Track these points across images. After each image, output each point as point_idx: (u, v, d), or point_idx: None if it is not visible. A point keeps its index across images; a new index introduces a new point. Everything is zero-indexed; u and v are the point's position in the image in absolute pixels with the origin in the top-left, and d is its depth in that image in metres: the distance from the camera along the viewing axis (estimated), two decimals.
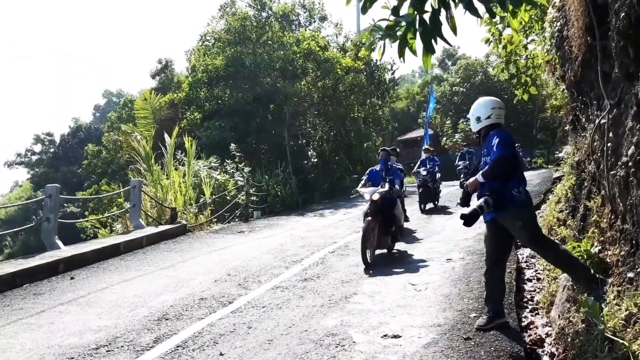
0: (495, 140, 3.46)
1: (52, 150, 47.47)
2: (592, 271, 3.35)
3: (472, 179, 3.60)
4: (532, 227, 3.52)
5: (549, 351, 3.40)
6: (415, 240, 7.26)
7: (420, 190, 10.79)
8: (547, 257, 3.67)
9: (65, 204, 24.69)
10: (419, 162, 11.53)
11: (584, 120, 4.91)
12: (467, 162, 12.77)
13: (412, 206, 11.80)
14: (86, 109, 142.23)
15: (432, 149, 12.88)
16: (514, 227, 3.52)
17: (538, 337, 3.64)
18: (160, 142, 11.50)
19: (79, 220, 11.89)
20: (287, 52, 18.24)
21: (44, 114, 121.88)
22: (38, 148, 49.10)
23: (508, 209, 3.46)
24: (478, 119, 3.67)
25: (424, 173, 10.87)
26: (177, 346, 3.57)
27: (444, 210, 10.68)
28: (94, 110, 67.41)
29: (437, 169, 11.26)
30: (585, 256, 3.58)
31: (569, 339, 3.13)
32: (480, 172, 3.54)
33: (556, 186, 11.23)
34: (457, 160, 13.91)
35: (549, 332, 3.66)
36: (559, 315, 3.61)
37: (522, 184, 3.52)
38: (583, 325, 2.97)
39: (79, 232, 12.68)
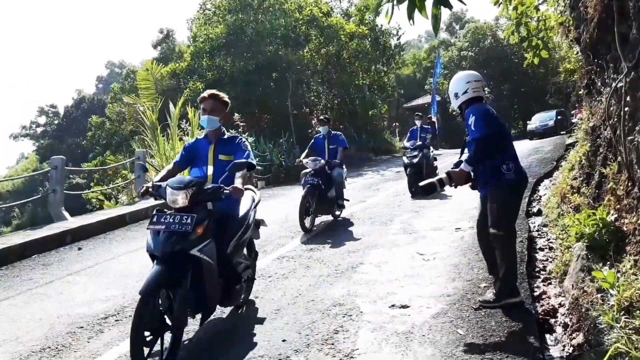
0: (472, 119, 3.30)
1: (56, 122, 47.33)
2: (516, 285, 3.43)
3: (457, 171, 3.37)
4: (506, 211, 3.37)
5: (562, 322, 3.32)
6: (422, 209, 7.18)
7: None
8: (498, 247, 3.47)
9: (70, 176, 24.81)
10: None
11: (599, 84, 4.69)
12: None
13: None
14: (89, 80, 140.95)
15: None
16: (490, 205, 3.41)
17: (551, 307, 3.55)
18: (165, 112, 11.34)
19: (84, 192, 11.91)
20: (289, 19, 17.68)
21: (47, 86, 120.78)
22: (42, 120, 49.03)
23: (492, 185, 3.37)
24: (456, 95, 3.53)
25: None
26: None
27: None
28: (97, 82, 66.76)
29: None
30: (601, 224, 3.47)
31: (584, 310, 3.06)
32: (464, 160, 3.34)
33: (569, 153, 11.04)
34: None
35: (562, 303, 3.58)
36: (572, 285, 3.52)
37: (512, 160, 3.36)
38: (598, 295, 2.89)
39: (85, 204, 12.73)
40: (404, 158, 9.07)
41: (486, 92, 3.59)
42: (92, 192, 11.88)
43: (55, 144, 41.52)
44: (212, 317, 3.51)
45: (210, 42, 18.25)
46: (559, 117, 21.01)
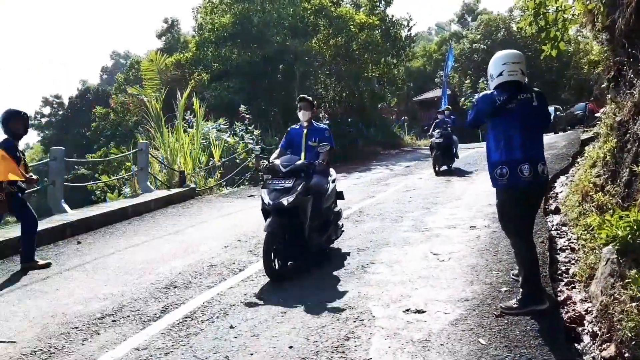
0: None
1: (61, 112, 47.22)
2: (541, 289, 3.24)
3: None
4: (504, 215, 3.37)
5: (590, 330, 3.08)
6: (434, 206, 6.91)
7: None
8: (513, 247, 3.45)
9: (75, 167, 24.73)
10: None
11: (631, 75, 4.40)
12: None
13: (428, 170, 11.39)
14: (94, 70, 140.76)
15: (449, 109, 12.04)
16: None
17: (577, 314, 3.32)
18: (172, 103, 11.11)
19: (85, 184, 11.74)
20: (297, 9, 17.33)
21: (52, 77, 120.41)
22: (47, 111, 48.92)
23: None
24: (491, 77, 3.33)
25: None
26: (186, 317, 3.36)
27: (463, 174, 10.19)
28: (102, 72, 66.63)
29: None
30: (635, 227, 3.20)
31: (615, 319, 2.82)
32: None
33: (585, 149, 10.70)
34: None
35: (589, 309, 3.34)
36: (601, 291, 3.28)
37: (508, 165, 3.17)
38: (633, 304, 2.64)
39: (90, 194, 12.59)
40: None
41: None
42: (94, 184, 11.74)
43: (59, 134, 41.44)
44: (215, 318, 3.31)
45: (216, 32, 17.94)
46: (557, 113, 20.09)
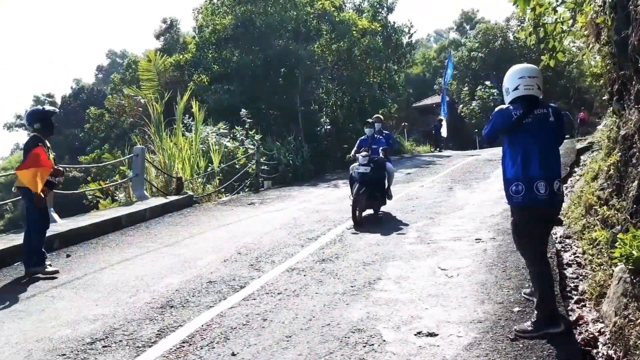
0: (491, 117, 3.34)
1: None
2: (556, 311, 3.12)
3: None
4: (519, 233, 3.26)
5: (605, 353, 2.98)
6: (438, 216, 6.76)
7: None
8: (528, 267, 3.34)
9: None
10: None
11: (639, 88, 4.29)
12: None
13: (429, 177, 11.23)
14: (89, 69, 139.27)
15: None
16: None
17: (590, 335, 3.21)
18: (166, 105, 10.86)
19: (77, 191, 11.45)
20: (300, 13, 17.14)
21: (44, 74, 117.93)
22: None
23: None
24: (507, 91, 3.24)
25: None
26: (183, 342, 3.14)
27: (465, 184, 9.99)
28: (97, 71, 65.73)
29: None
30: None
31: (631, 342, 2.71)
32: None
33: (581, 158, 10.65)
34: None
35: (602, 330, 3.24)
36: (615, 312, 3.18)
37: (525, 182, 3.07)
38: None
39: (81, 199, 12.26)
40: None
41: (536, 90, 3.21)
42: (89, 190, 11.46)
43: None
44: (215, 343, 3.10)
45: (217, 34, 17.66)
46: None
